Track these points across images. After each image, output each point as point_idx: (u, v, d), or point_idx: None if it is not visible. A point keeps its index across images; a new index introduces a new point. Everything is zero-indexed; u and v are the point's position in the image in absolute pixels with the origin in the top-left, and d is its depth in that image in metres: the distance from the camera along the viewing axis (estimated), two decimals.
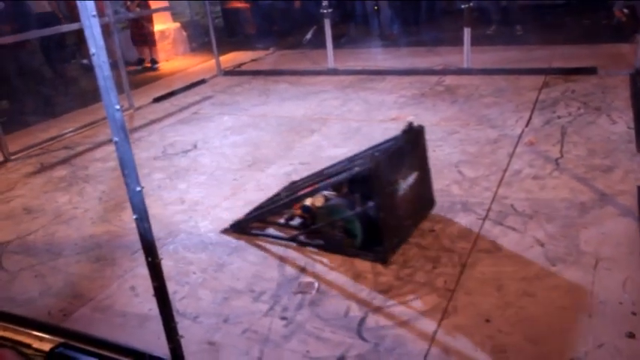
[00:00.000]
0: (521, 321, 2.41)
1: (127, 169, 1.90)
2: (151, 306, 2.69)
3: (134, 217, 2.00)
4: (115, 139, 1.86)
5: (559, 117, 4.84)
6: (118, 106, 1.81)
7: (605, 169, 3.76)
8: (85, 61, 8.95)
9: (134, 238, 2.11)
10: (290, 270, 2.99)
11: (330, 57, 7.39)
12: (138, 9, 8.87)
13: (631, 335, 2.25)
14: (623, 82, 5.64)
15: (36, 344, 2.54)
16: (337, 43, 8.08)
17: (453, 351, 2.28)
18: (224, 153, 4.89)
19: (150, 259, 2.07)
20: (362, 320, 2.52)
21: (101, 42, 1.77)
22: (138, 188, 1.94)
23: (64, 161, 5.13)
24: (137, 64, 9.37)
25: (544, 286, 2.63)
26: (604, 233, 3.00)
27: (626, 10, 7.86)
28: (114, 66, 6.34)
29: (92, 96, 6.85)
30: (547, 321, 2.39)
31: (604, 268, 2.70)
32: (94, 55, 1.77)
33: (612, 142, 4.19)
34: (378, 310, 2.59)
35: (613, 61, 6.39)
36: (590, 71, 6.04)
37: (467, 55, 6.59)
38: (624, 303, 2.45)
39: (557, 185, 3.61)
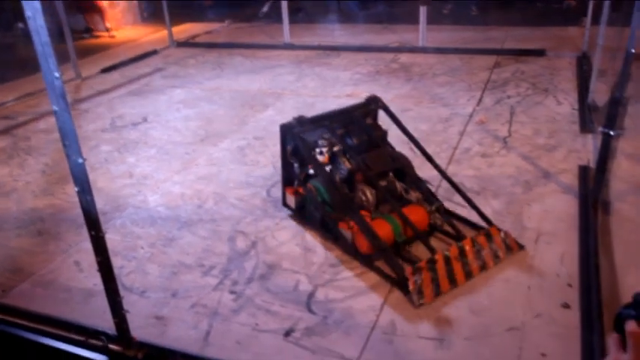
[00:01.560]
0: (465, 293, 2.49)
1: (68, 139, 1.82)
2: (96, 281, 2.61)
3: (76, 189, 1.93)
4: (55, 108, 1.77)
5: (509, 97, 4.96)
6: (57, 74, 1.73)
7: (549, 148, 3.89)
8: (21, 25, 8.46)
9: (79, 211, 2.04)
10: (241, 244, 2.98)
11: (286, 31, 7.29)
12: None
13: (566, 306, 2.36)
14: (570, 64, 5.82)
15: None
16: (293, 17, 7.96)
17: (399, 322, 2.34)
18: (175, 126, 4.78)
19: (93, 232, 2.01)
20: (311, 294, 2.54)
21: (38, 4, 1.67)
22: (80, 160, 1.87)
23: (4, 132, 4.89)
24: (84, 32, 8.97)
25: None
26: (546, 210, 3.12)
27: None
28: (58, 33, 6.06)
29: (35, 63, 6.52)
30: (489, 293, 2.48)
31: (544, 243, 2.81)
32: (29, 18, 1.68)
33: (557, 122, 4.33)
34: (327, 283, 2.61)
35: (561, 43, 6.58)
36: (540, 53, 6.20)
37: (422, 33, 6.63)
38: (561, 275, 2.56)
39: (504, 163, 3.71)
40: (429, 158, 3.17)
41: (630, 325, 0.79)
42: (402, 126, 3.31)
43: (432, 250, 2.61)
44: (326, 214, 2.90)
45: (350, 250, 2.79)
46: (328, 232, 2.96)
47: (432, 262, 2.52)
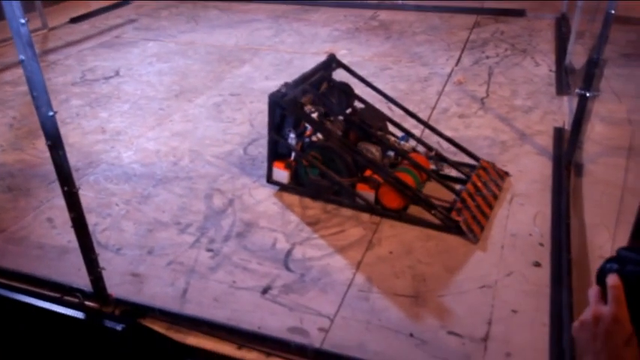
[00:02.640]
0: (441, 252, 2.53)
1: (37, 91, 1.75)
2: (70, 238, 2.58)
3: (47, 143, 1.87)
4: (22, 57, 1.69)
5: (487, 57, 4.95)
6: (23, 20, 1.63)
7: (526, 109, 3.92)
8: None
9: (50, 167, 1.98)
10: (217, 202, 2.95)
11: None
12: None
13: (537, 264, 2.43)
14: (549, 25, 5.80)
15: None
16: None
17: (375, 279, 2.37)
18: (149, 81, 4.65)
19: (66, 188, 1.96)
20: (289, 252, 2.56)
21: None
22: (50, 112, 1.80)
23: None
24: None
25: None
26: (521, 171, 3.16)
27: None
28: None
29: None
30: (464, 252, 2.53)
31: (518, 203, 2.86)
32: None
33: (534, 84, 4.35)
34: (305, 242, 2.62)
35: (541, 4, 6.53)
36: (520, 13, 6.16)
37: None
38: (533, 235, 2.62)
39: (481, 124, 3.73)
40: (386, 97, 3.35)
41: (612, 279, 0.81)
42: (367, 82, 3.34)
43: (455, 191, 2.80)
44: (338, 180, 2.80)
45: (374, 209, 2.79)
46: (340, 197, 2.87)
47: (463, 202, 2.70)
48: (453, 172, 3.07)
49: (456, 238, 2.61)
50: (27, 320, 2.33)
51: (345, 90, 3.17)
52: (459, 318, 2.16)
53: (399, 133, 3.19)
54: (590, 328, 0.81)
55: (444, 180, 2.95)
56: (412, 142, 3.16)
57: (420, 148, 3.16)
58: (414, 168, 2.86)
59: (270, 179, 3.04)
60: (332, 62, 3.25)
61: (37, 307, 2.26)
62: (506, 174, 3.09)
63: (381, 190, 2.78)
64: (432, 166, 3.04)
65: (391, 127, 3.21)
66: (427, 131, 3.46)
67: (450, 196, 2.84)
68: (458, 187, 2.91)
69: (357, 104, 3.23)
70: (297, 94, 2.88)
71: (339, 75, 3.29)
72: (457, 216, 2.63)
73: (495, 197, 2.88)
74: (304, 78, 3.04)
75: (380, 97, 3.37)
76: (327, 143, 2.85)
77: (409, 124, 3.40)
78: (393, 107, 3.44)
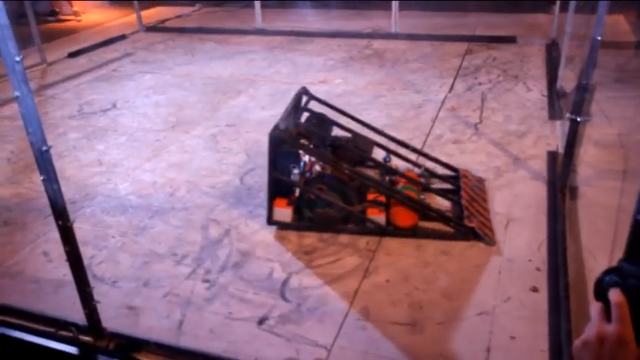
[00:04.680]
0: (438, 278, 2.52)
1: (32, 126, 1.77)
2: (65, 271, 2.55)
3: (41, 178, 1.88)
4: (17, 93, 1.72)
5: (480, 83, 5.01)
6: (18, 58, 1.66)
7: (519, 134, 3.95)
8: None
9: (47, 201, 1.99)
10: (214, 233, 2.95)
11: (258, 16, 7.19)
12: None
13: (535, 289, 2.42)
14: (540, 51, 5.90)
15: None
16: (266, 1, 7.85)
17: (372, 308, 2.36)
18: (146, 113, 4.69)
19: (60, 222, 1.96)
20: (285, 281, 2.54)
21: None
22: (44, 147, 1.81)
23: None
24: (49, 14, 8.70)
25: (460, 245, 2.75)
26: (516, 195, 3.17)
27: None
28: (21, 16, 5.87)
29: None
30: (461, 278, 2.52)
31: (514, 228, 2.86)
32: None
33: (527, 108, 4.40)
34: (301, 271, 2.61)
35: (531, 30, 6.66)
36: (510, 40, 6.27)
37: (395, 19, 6.63)
38: (530, 260, 2.61)
39: (475, 149, 3.75)
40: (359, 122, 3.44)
41: (615, 295, 0.73)
42: (340, 109, 3.44)
43: (454, 201, 2.96)
44: (348, 208, 2.80)
45: (386, 232, 2.82)
46: (348, 225, 2.86)
47: (467, 209, 2.83)
48: (441, 184, 3.23)
49: (452, 264, 2.61)
50: (19, 357, 2.31)
51: (324, 119, 3.19)
52: (457, 346, 2.14)
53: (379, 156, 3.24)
54: (594, 349, 0.73)
55: (442, 192, 3.09)
56: (395, 161, 3.26)
57: (402, 166, 3.30)
58: (413, 185, 2.96)
59: (270, 221, 2.90)
60: (304, 95, 3.25)
61: (30, 343, 2.23)
62: (482, 179, 3.29)
63: (393, 210, 2.81)
64: (423, 181, 3.16)
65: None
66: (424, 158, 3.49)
67: (445, 207, 3.00)
68: (450, 196, 3.05)
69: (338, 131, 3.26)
70: (290, 128, 2.88)
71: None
72: (470, 223, 2.73)
73: (485, 201, 3.05)
74: (287, 113, 2.99)
75: (375, 123, 3.41)
76: (336, 173, 2.85)
77: (405, 151, 3.43)
78: (389, 134, 3.46)
